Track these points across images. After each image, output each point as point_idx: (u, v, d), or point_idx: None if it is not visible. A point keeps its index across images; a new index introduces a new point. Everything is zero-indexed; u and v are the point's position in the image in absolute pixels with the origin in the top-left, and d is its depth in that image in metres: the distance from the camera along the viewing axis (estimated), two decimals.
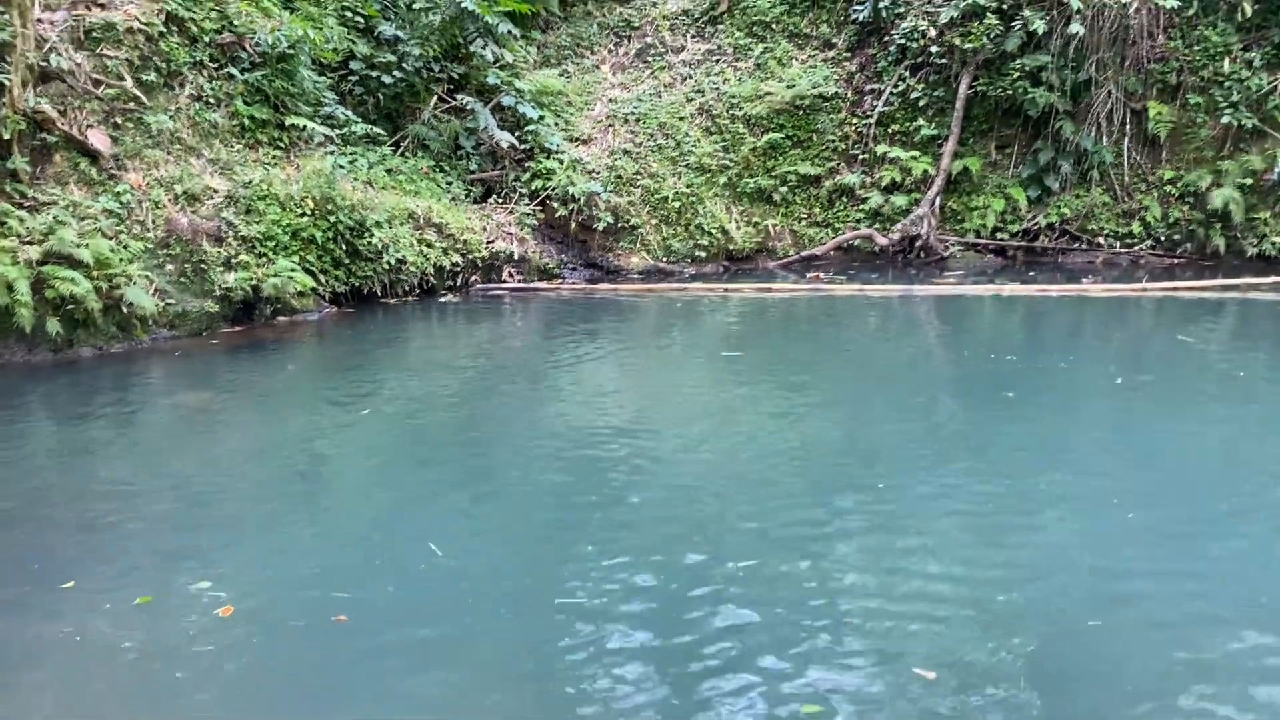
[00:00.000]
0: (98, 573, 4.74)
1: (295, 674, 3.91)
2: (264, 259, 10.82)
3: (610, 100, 16.35)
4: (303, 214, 11.21)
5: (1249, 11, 14.53)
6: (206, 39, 11.64)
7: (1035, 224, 15.52)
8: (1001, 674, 3.78)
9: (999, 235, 15.58)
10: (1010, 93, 15.28)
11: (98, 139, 10.40)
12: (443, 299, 12.64)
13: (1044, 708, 3.57)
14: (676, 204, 15.32)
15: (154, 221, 10.34)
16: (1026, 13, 14.99)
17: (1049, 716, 3.53)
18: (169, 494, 5.83)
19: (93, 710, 3.70)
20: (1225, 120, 14.49)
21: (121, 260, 9.70)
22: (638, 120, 15.98)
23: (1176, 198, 14.96)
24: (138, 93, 10.88)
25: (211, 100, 11.63)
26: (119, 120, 10.72)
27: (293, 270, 10.85)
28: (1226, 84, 14.65)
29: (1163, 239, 15.01)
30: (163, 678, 3.85)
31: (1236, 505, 5.44)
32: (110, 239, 9.83)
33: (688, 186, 15.51)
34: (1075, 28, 14.47)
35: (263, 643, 4.09)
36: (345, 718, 3.62)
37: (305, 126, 12.21)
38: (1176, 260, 14.85)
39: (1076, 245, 15.38)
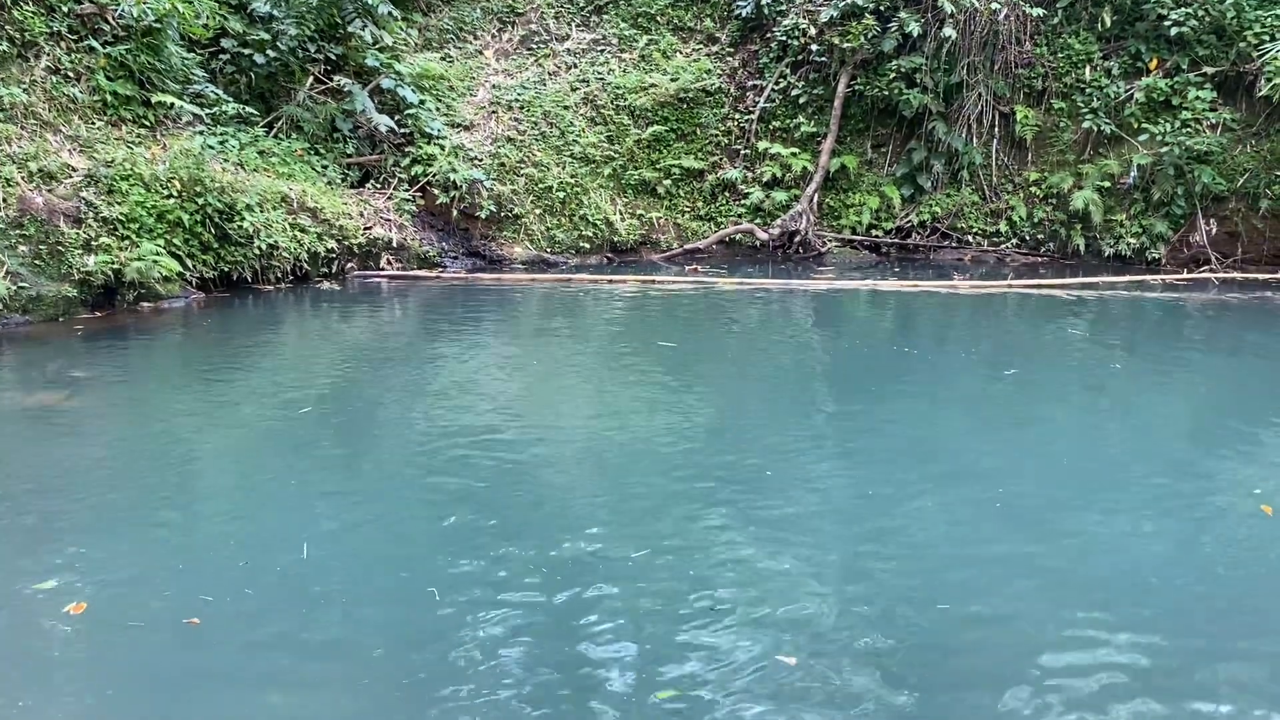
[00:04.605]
0: None
1: (136, 677, 3.76)
2: (127, 242, 10.36)
3: (493, 86, 16.18)
4: (169, 196, 10.77)
5: (1108, 22, 15.24)
6: (65, 8, 11.08)
7: (908, 221, 16.02)
8: (859, 658, 3.89)
9: (874, 232, 16.03)
10: (886, 93, 15.71)
11: None
12: (318, 286, 12.34)
13: (893, 692, 3.70)
14: (561, 194, 15.27)
15: (5, 200, 9.80)
16: (902, 14, 15.41)
17: (899, 699, 3.66)
18: (17, 490, 5.55)
19: None
20: (1086, 125, 15.19)
21: None
22: (521, 108, 15.85)
23: (1041, 198, 15.62)
24: None
25: (70, 74, 11.08)
26: None
27: (158, 254, 10.42)
28: (1088, 90, 15.36)
29: (1027, 238, 15.66)
30: None
31: (1105, 489, 5.72)
32: None
33: (572, 177, 15.48)
34: (948, 31, 14.95)
35: (105, 644, 3.94)
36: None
37: (173, 104, 11.74)
38: (1040, 259, 15.51)
39: (947, 243, 15.92)
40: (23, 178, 10.03)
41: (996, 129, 15.80)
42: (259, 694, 3.67)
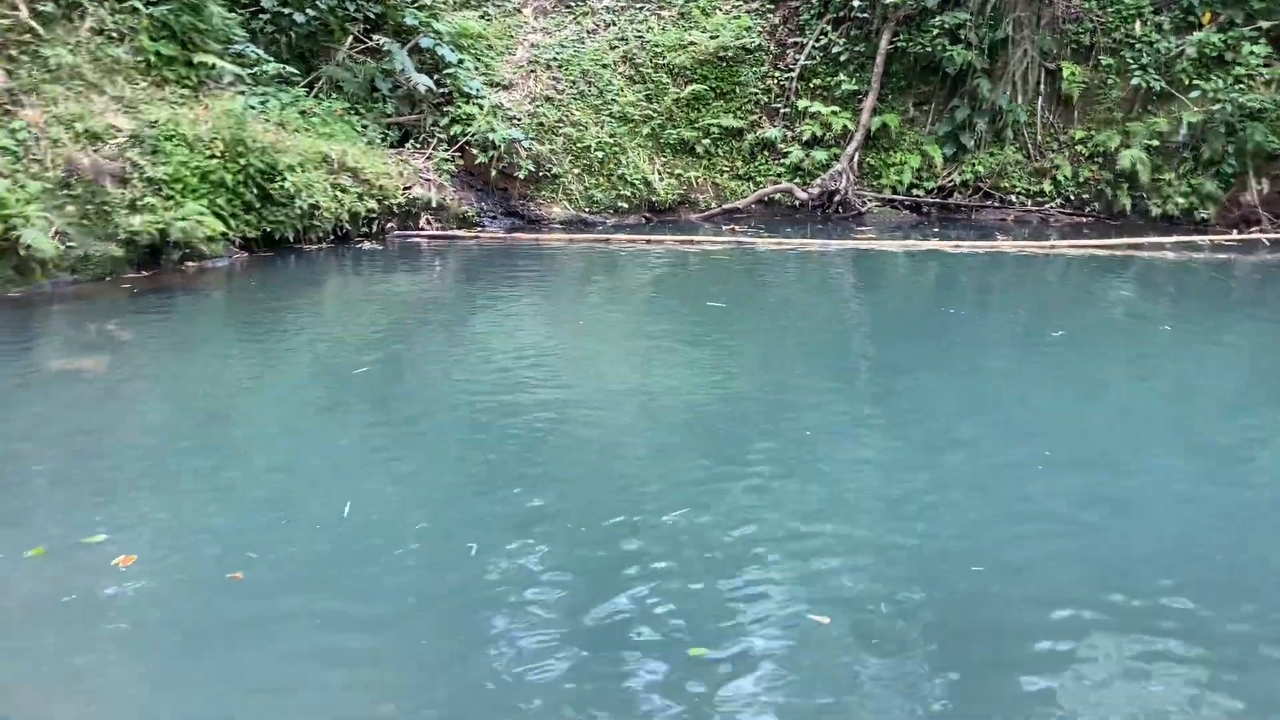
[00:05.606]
0: None
1: (183, 628, 3.87)
2: (171, 202, 10.50)
3: (532, 45, 16.12)
4: (212, 156, 10.88)
5: None
6: None
7: (950, 181, 15.79)
8: (893, 620, 3.92)
9: (915, 191, 15.83)
10: (929, 49, 15.45)
11: None
12: (359, 246, 12.43)
13: (925, 653, 3.73)
14: (599, 154, 15.22)
15: (53, 161, 9.94)
16: None
17: (930, 660, 3.68)
18: (66, 446, 5.70)
19: None
20: (1135, 82, 14.87)
21: (19, 200, 9.33)
22: (560, 66, 15.79)
23: (1086, 157, 15.34)
24: (34, 24, 10.40)
25: (114, 34, 11.17)
26: (13, 53, 10.25)
27: (201, 214, 10.55)
28: (1137, 46, 15.02)
29: (1072, 198, 15.40)
30: (48, 628, 3.81)
31: (1152, 453, 5.68)
32: (6, 178, 9.44)
33: (610, 136, 15.42)
34: None
35: (154, 597, 4.05)
36: (231, 674, 3.61)
37: (214, 65, 11.82)
38: (1085, 219, 15.25)
39: (989, 203, 15.70)
40: (69, 138, 10.17)
41: (1042, 86, 15.50)
42: (301, 645, 3.77)
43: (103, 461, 5.46)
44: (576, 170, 15.13)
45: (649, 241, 13.21)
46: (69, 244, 9.78)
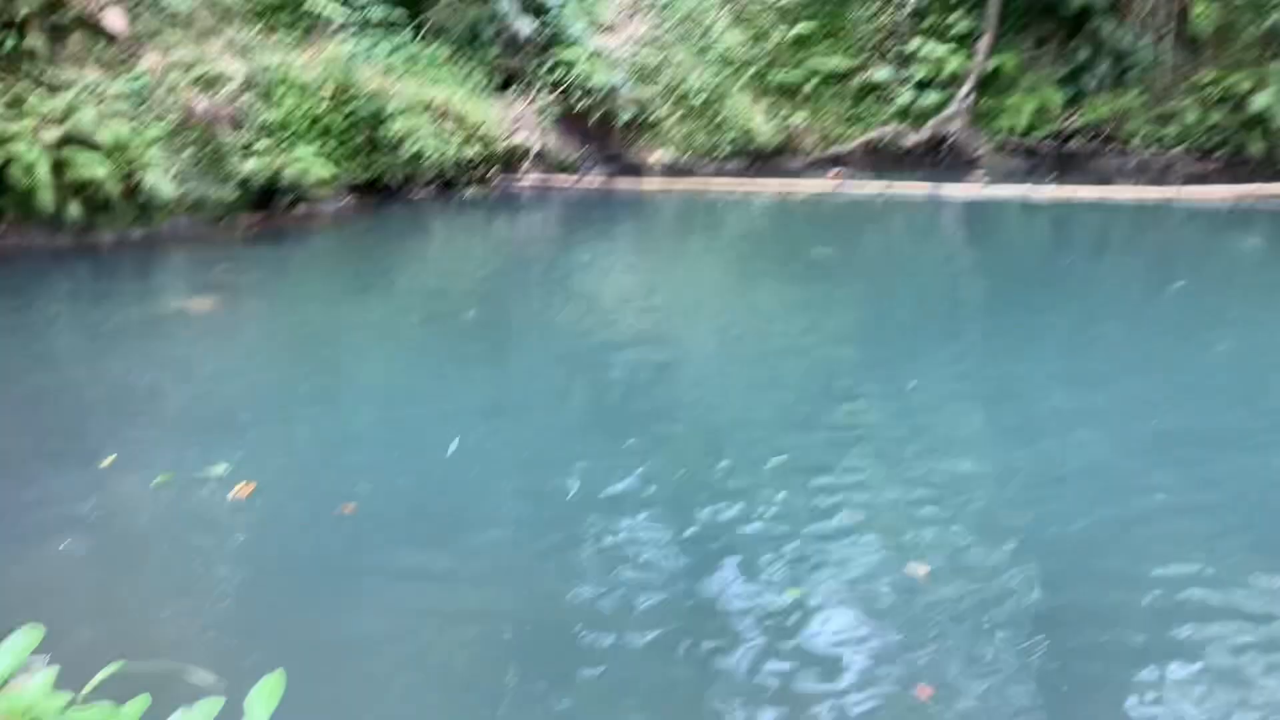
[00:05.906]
0: (121, 452, 4.83)
1: (294, 565, 4.00)
2: (283, 146, 10.73)
3: None
4: (321, 101, 11.06)
5: None
6: None
7: (1069, 125, 15.13)
8: (989, 572, 3.84)
9: (1031, 136, 15.21)
10: None
11: (114, 19, 10.26)
12: (462, 192, 12.53)
13: (1018, 605, 3.64)
14: (700, 98, 14.98)
15: (172, 105, 10.24)
16: None
17: (1021, 613, 3.60)
18: (190, 381, 5.92)
19: (98, 572, 3.83)
20: (1272, 20, 13.95)
21: (140, 144, 9.65)
22: (663, 8, 15.54)
23: (1216, 101, 14.50)
24: None
25: None
26: (134, 1, 10.54)
27: (311, 158, 10.76)
28: None
29: (1199, 143, 14.61)
30: (165, 551, 3.98)
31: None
32: (132, 120, 9.75)
33: (721, 78, 15.15)
34: None
35: (271, 525, 4.21)
36: (345, 597, 3.72)
37: (323, 11, 11.96)
38: (1212, 165, 14.47)
39: (1110, 148, 15.02)
40: (187, 84, 10.44)
41: (1169, 26, 14.67)
42: (401, 601, 3.86)
43: (223, 397, 5.66)
44: (678, 115, 14.93)
45: (751, 187, 13.02)
46: (187, 187, 10.08)
